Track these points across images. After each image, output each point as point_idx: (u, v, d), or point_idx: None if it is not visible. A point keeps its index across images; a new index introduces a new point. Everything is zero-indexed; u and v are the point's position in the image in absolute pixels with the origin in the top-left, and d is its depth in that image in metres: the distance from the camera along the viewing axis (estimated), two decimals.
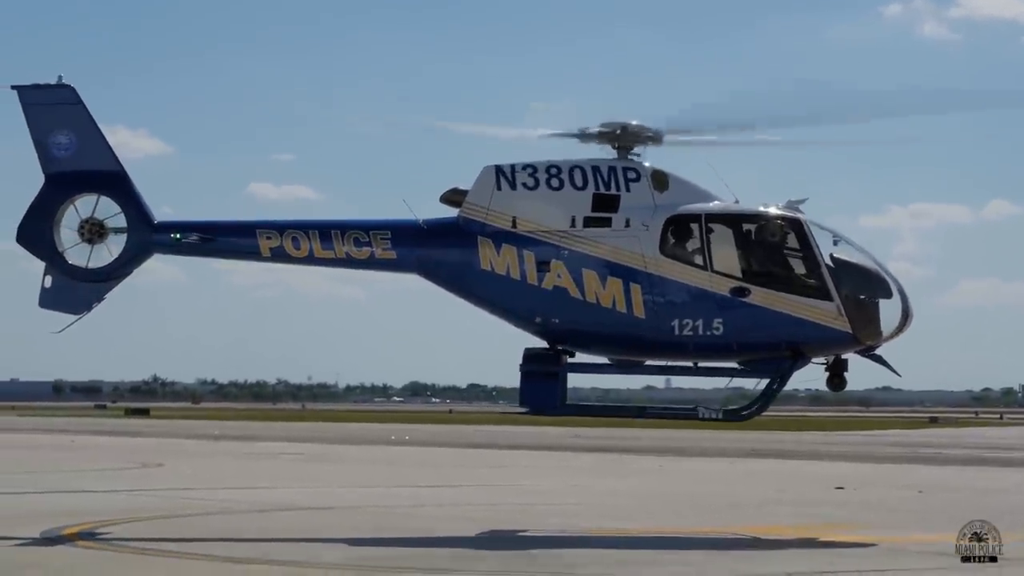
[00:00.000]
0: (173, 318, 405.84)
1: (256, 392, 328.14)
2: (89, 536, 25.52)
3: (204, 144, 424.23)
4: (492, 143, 29.08)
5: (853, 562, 22.78)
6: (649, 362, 27.68)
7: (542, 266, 26.54)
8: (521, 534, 27.12)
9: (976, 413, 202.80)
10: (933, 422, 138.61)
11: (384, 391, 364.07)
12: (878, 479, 46.85)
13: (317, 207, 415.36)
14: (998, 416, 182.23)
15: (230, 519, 29.50)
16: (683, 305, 26.21)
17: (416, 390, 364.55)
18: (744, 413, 27.39)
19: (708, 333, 26.15)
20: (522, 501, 35.82)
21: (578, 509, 33.17)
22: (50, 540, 24.88)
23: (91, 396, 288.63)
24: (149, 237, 27.51)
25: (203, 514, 30.32)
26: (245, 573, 21.22)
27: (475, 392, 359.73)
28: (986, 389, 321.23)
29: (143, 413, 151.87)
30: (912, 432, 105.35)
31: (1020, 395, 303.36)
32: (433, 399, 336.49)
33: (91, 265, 27.45)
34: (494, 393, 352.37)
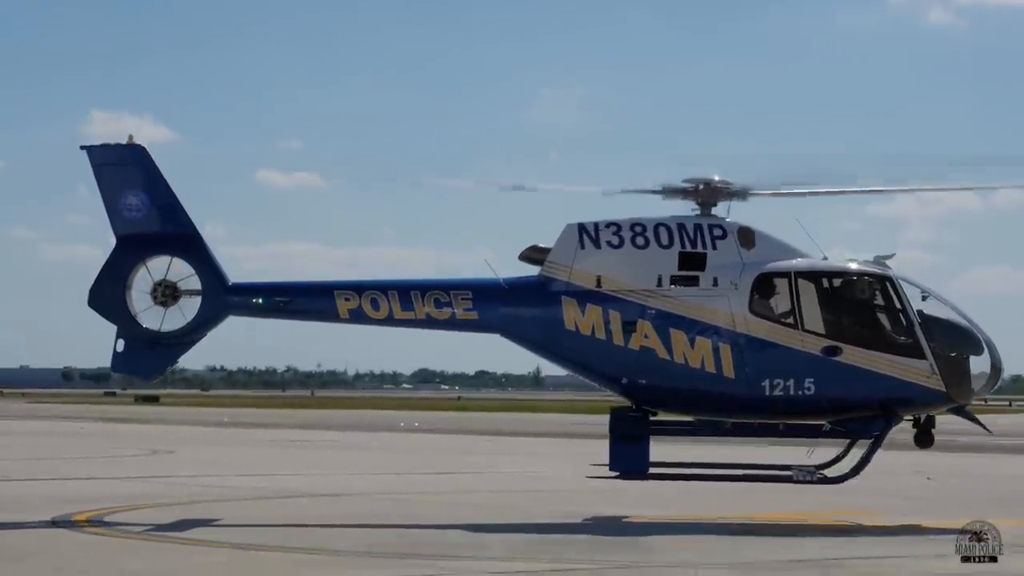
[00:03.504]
0: None
1: (265, 379, 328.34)
2: (99, 522, 25.52)
3: (211, 131, 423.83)
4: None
5: (862, 548, 22.77)
6: (733, 420, 27.28)
7: (628, 326, 26.15)
8: (533, 521, 27.09)
9: (985, 400, 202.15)
10: None
11: (393, 379, 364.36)
12: (888, 466, 46.73)
13: (326, 195, 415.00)
14: (1007, 403, 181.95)
15: (241, 506, 29.51)
16: (774, 365, 25.90)
17: (425, 377, 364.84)
18: (840, 476, 27.20)
19: (799, 393, 25.89)
20: (532, 488, 35.79)
21: (579, 496, 33.15)
22: (60, 526, 24.88)
23: (101, 383, 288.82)
24: (224, 300, 27.00)
25: (213, 501, 30.32)
26: (256, 559, 21.21)
27: (484, 379, 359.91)
28: None
29: (153, 400, 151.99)
30: None
31: None
32: (442, 386, 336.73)
33: (164, 328, 26.92)
34: (503, 380, 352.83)
